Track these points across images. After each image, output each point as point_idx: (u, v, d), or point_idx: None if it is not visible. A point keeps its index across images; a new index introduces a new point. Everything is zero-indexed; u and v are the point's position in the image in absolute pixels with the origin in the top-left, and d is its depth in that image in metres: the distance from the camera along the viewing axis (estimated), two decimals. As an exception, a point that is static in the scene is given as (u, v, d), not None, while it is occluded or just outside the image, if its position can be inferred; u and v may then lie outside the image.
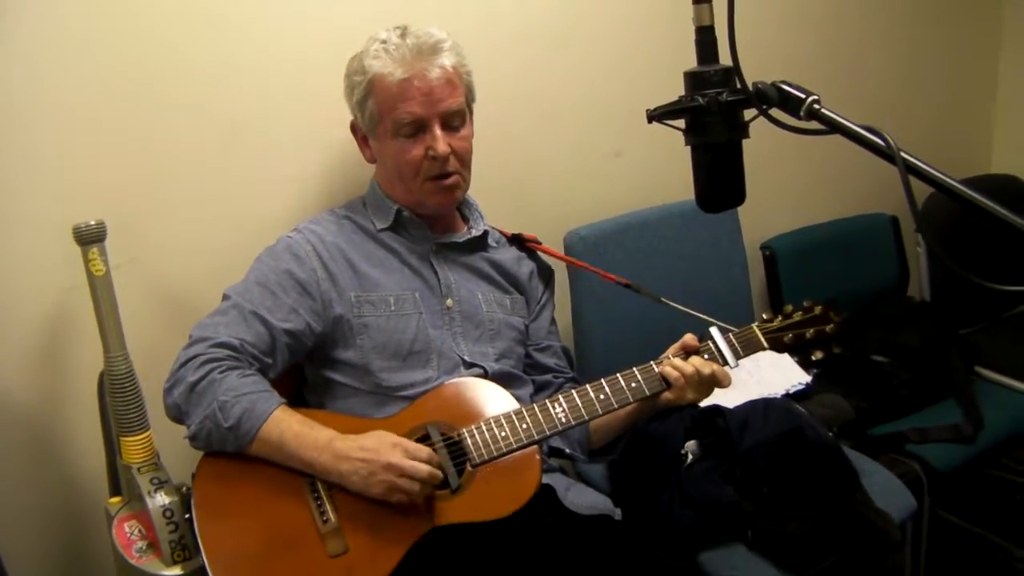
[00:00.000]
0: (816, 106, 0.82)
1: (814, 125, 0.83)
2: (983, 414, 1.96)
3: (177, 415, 1.29)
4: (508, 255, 1.58)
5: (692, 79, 0.92)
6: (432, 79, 1.36)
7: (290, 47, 1.60)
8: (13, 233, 1.44)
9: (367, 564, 1.20)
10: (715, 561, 1.45)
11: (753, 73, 0.86)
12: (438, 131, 1.38)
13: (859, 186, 2.38)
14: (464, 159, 1.44)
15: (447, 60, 1.38)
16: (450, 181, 1.43)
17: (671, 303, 1.51)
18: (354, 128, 1.49)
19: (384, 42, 1.39)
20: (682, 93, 0.93)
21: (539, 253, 1.64)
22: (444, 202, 1.46)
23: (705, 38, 0.91)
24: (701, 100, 0.90)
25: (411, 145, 1.39)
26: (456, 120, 1.41)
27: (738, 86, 0.88)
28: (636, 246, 1.93)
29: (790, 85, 0.84)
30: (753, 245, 2.20)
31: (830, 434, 1.61)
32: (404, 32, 1.39)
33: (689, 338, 1.39)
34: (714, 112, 0.90)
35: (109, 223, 1.34)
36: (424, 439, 1.29)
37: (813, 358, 1.38)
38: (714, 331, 1.38)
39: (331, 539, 1.21)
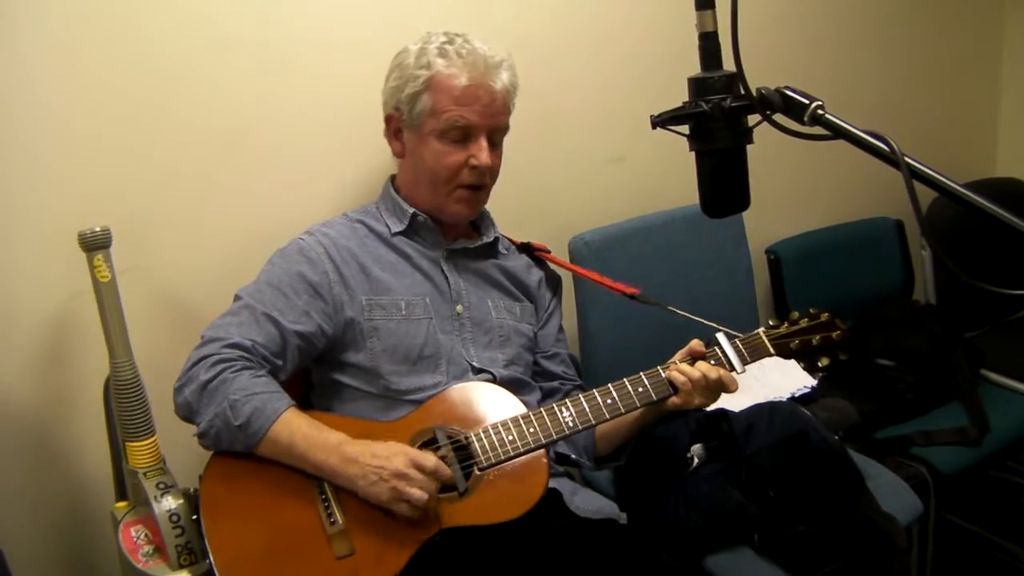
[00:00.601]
0: (820, 111, 0.82)
1: (818, 130, 0.83)
2: (989, 417, 1.95)
3: (187, 413, 1.29)
4: (518, 262, 1.58)
5: (696, 85, 0.92)
6: (496, 92, 1.39)
7: (291, 55, 1.61)
8: (18, 240, 1.45)
9: (373, 566, 1.20)
10: (721, 564, 1.45)
11: (757, 78, 0.86)
12: (484, 142, 1.40)
13: (864, 190, 2.38)
14: (495, 176, 1.46)
15: (507, 78, 1.41)
16: (480, 194, 1.45)
17: (677, 311, 1.51)
18: (389, 120, 1.48)
19: (450, 43, 1.39)
20: (686, 99, 0.93)
21: (547, 262, 1.64)
22: (465, 213, 1.47)
23: (708, 44, 0.91)
24: (705, 106, 0.90)
25: (454, 150, 1.40)
26: (498, 137, 1.45)
27: (742, 92, 0.88)
28: (640, 251, 1.93)
29: (794, 90, 0.84)
30: (758, 250, 2.20)
31: (836, 438, 1.61)
32: (467, 39, 1.40)
33: (696, 343, 1.39)
34: (718, 118, 0.90)
35: (113, 230, 1.35)
36: (431, 442, 1.29)
37: (819, 364, 1.39)
38: (721, 337, 1.39)
39: (338, 541, 1.21)
